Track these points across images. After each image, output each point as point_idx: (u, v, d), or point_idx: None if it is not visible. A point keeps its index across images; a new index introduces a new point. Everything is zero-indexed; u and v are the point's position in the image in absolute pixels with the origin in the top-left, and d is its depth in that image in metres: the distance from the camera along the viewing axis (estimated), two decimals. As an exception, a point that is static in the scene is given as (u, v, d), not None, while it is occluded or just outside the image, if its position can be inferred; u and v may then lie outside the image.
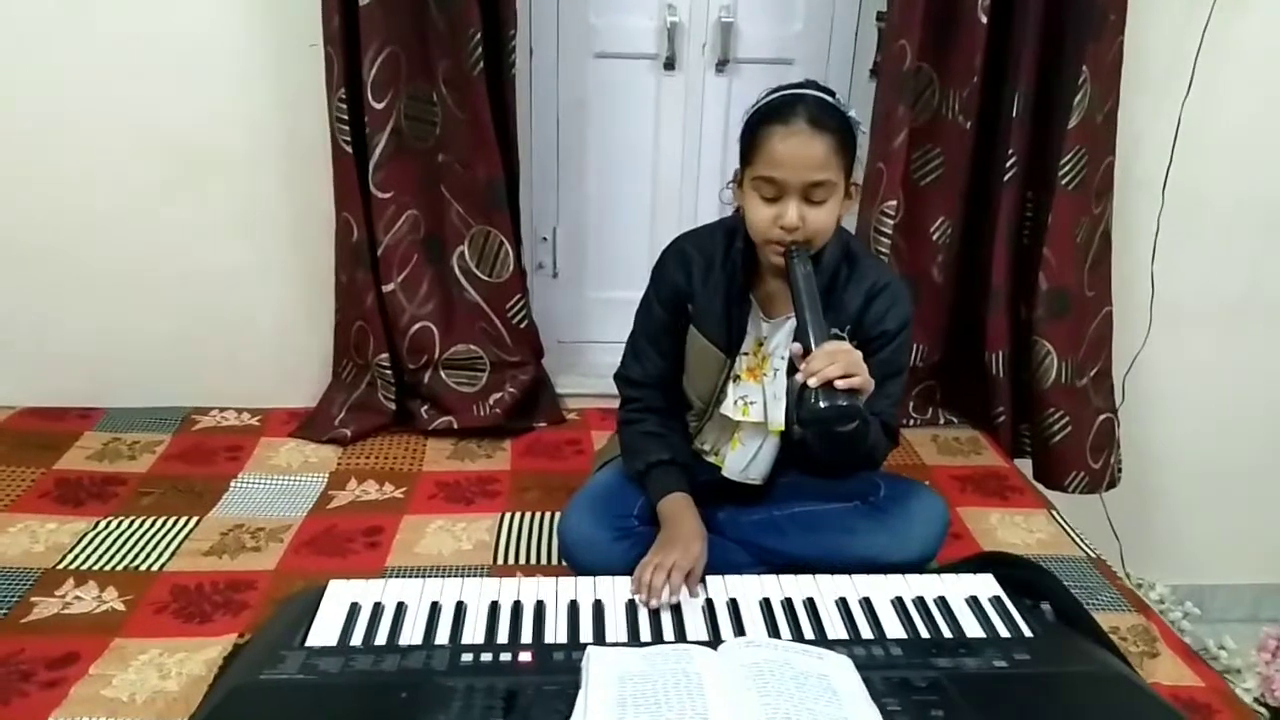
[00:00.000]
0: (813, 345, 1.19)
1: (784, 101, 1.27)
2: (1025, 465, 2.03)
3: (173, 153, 1.86)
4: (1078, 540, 1.62)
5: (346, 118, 1.72)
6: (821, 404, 1.15)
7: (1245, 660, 2.03)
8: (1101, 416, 1.98)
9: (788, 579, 1.30)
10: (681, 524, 1.33)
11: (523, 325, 1.95)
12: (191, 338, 2.00)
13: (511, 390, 1.94)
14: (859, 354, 1.20)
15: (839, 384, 1.15)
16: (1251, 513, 2.30)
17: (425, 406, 1.94)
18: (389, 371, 1.90)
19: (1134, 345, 2.05)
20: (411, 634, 1.16)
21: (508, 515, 1.63)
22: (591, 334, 2.20)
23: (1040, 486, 1.93)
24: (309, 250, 1.94)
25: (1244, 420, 2.21)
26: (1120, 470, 2.04)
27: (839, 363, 1.16)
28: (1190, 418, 2.20)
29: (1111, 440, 2.01)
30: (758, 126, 1.27)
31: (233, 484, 1.70)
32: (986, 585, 1.30)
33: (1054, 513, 1.71)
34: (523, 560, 1.50)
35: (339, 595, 1.24)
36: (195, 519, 1.58)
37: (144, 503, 1.63)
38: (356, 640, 1.14)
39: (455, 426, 1.90)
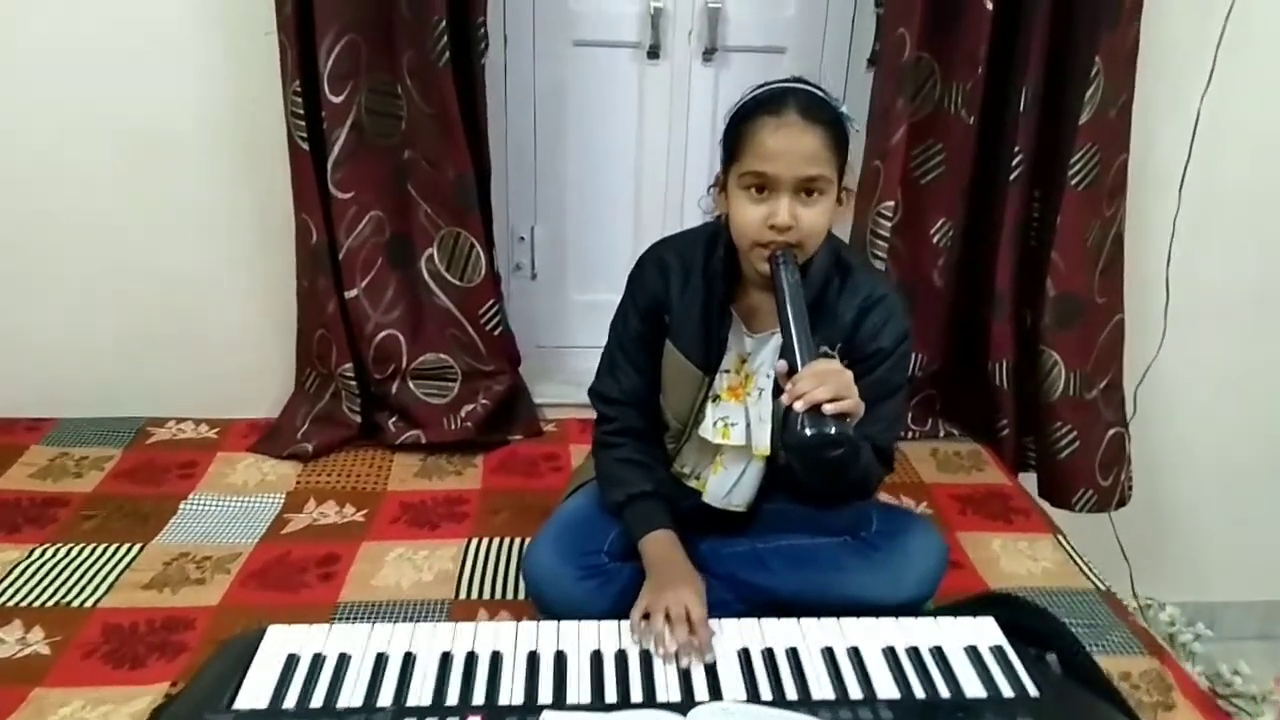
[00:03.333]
0: (799, 364, 1.09)
1: (773, 94, 1.16)
2: (1030, 480, 1.92)
3: (122, 148, 1.75)
4: (1087, 571, 1.51)
5: (302, 112, 1.60)
6: (808, 431, 1.05)
7: (1261, 688, 1.93)
8: (1112, 431, 1.87)
9: (770, 624, 1.19)
10: (673, 564, 1.22)
11: (497, 332, 1.84)
12: (148, 344, 1.90)
13: (484, 401, 1.83)
14: (849, 375, 1.10)
15: (827, 408, 1.04)
16: (1265, 527, 2.19)
17: (393, 419, 1.83)
18: (353, 382, 1.79)
19: (1147, 354, 1.93)
20: (353, 693, 1.05)
21: (474, 541, 1.52)
22: (573, 339, 2.09)
23: (1046, 505, 1.81)
24: (270, 252, 1.82)
25: (1259, 431, 2.09)
26: (1131, 488, 1.92)
27: (828, 384, 1.05)
28: (1204, 429, 2.08)
29: (1122, 456, 1.89)
30: (745, 120, 1.17)
31: (182, 506, 1.59)
32: (987, 632, 1.19)
33: (1060, 538, 1.60)
34: (487, 594, 1.39)
35: (277, 644, 1.13)
36: (138, 546, 1.47)
37: (85, 527, 1.52)
38: (291, 701, 1.03)
39: (423, 441, 1.79)
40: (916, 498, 1.71)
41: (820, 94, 1.16)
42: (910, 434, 1.93)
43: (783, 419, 1.09)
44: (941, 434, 1.95)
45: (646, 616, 1.16)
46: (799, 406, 1.04)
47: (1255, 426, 2.09)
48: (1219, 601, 2.22)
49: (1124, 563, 1.97)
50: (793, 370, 1.08)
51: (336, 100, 1.61)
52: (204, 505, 1.60)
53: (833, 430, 1.04)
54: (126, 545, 1.47)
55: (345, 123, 1.63)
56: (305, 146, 1.62)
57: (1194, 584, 2.17)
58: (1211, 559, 2.20)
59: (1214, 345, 2.00)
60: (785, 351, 1.11)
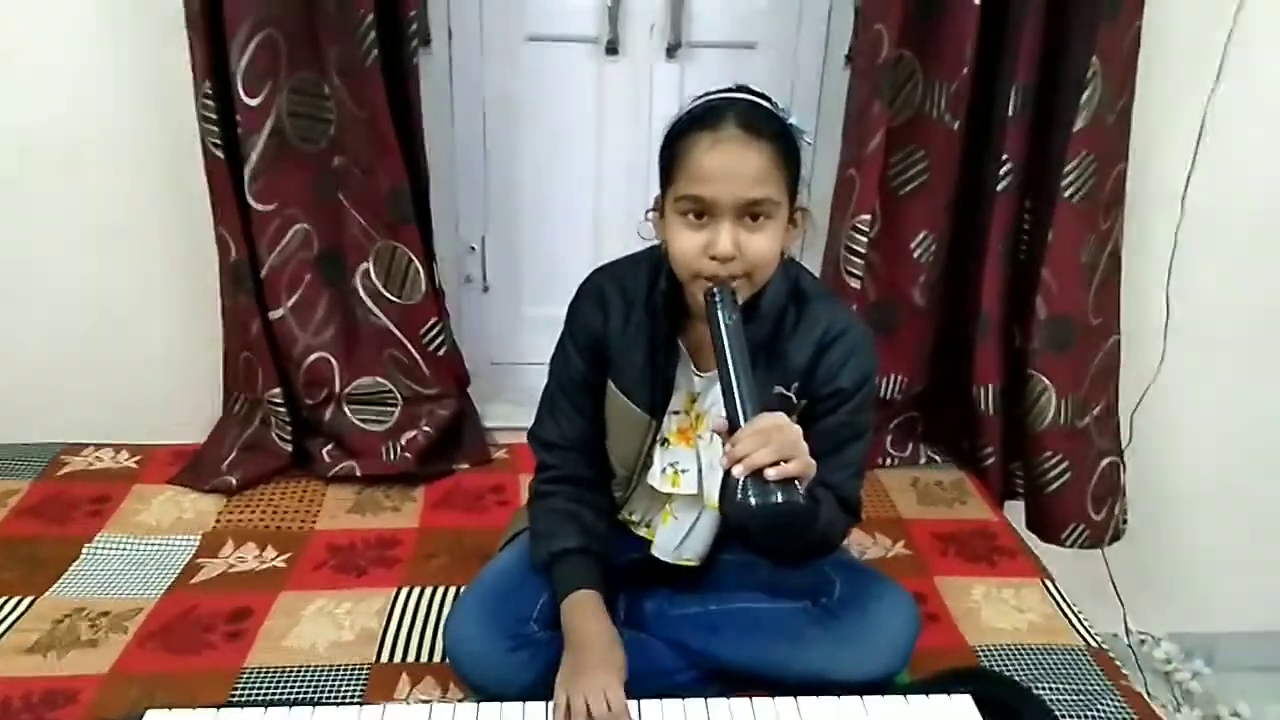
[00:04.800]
0: (740, 419, 0.95)
1: (710, 107, 1.03)
2: (1017, 507, 1.79)
3: (23, 156, 1.60)
4: (1077, 624, 1.37)
5: (214, 116, 1.45)
6: (752, 499, 0.92)
7: (1262, 731, 1.81)
8: (1105, 460, 1.73)
9: (717, 706, 1.06)
10: (591, 635, 1.09)
11: (440, 352, 1.69)
12: (67, 365, 1.75)
13: (427, 428, 1.69)
14: (797, 431, 0.96)
15: (770, 473, 0.91)
16: (1268, 556, 2.05)
17: (327, 447, 1.68)
18: (283, 409, 1.64)
19: (1144, 378, 1.79)
20: (229, 798, 0.92)
21: (404, 591, 1.38)
22: (528, 355, 1.94)
23: (1034, 540, 1.68)
24: (195, 264, 1.67)
25: (1263, 457, 1.95)
26: (1125, 521, 1.79)
27: (772, 444, 0.92)
28: (1204, 455, 1.94)
29: (1116, 487, 1.75)
30: (680, 137, 1.04)
31: (85, 550, 1.45)
32: (962, 714, 1.06)
33: (1048, 583, 1.46)
34: (411, 656, 1.25)
35: (152, 734, 1.00)
36: (29, 600, 1.33)
37: (-29, 577, 1.38)
38: (154, 810, 0.90)
39: (358, 473, 1.65)
40: (894, 536, 1.57)
41: (765, 104, 1.03)
42: (890, 460, 1.80)
43: (721, 484, 0.95)
44: (923, 460, 1.81)
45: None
46: (738, 472, 0.91)
47: (1259, 452, 1.95)
48: (1218, 632, 2.09)
49: (1116, 598, 1.83)
50: (734, 427, 0.95)
51: (252, 103, 1.45)
52: (110, 549, 1.46)
53: (778, 498, 0.91)
54: (16, 599, 1.33)
55: (264, 127, 1.47)
56: (220, 154, 1.47)
57: (1191, 615, 2.04)
58: (1210, 589, 2.06)
59: (1217, 367, 1.85)
60: (725, 404, 0.97)
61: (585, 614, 1.10)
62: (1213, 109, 1.65)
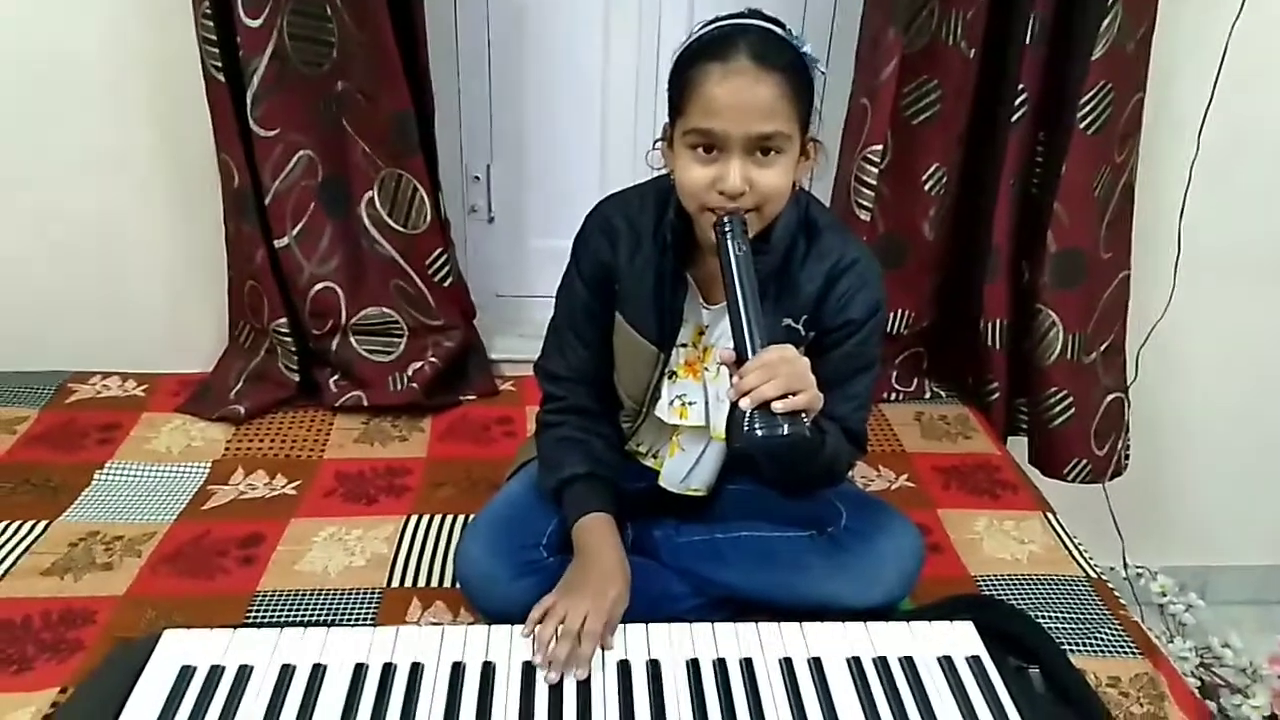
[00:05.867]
0: (748, 351, 0.95)
1: (720, 34, 1.00)
2: (1020, 443, 1.80)
3: (27, 78, 1.57)
4: (1077, 556, 1.39)
5: (214, 38, 1.41)
6: (758, 430, 0.93)
7: (1254, 660, 1.84)
8: (1110, 397, 1.73)
9: (724, 630, 1.08)
10: (597, 557, 1.10)
11: (447, 283, 1.68)
12: (72, 293, 1.75)
13: (433, 359, 1.69)
14: (805, 363, 0.96)
15: (777, 405, 0.91)
16: (1266, 492, 2.07)
17: (334, 377, 1.69)
18: (289, 338, 1.64)
19: (1152, 313, 1.77)
20: (252, 713, 0.94)
21: (414, 519, 1.40)
22: (534, 287, 1.93)
23: (1036, 476, 1.69)
24: (198, 191, 1.65)
25: (1268, 394, 1.96)
26: (1127, 457, 1.80)
27: (779, 378, 0.92)
28: (1207, 393, 1.94)
29: (1120, 423, 1.76)
30: (689, 67, 1.01)
31: (97, 476, 1.46)
32: (964, 640, 1.09)
33: (1050, 516, 1.48)
34: (422, 582, 1.27)
35: (171, 653, 1.02)
36: (44, 524, 1.35)
37: (-14, 502, 1.40)
38: (179, 723, 0.92)
39: (365, 403, 1.65)
40: (898, 469, 1.58)
41: (777, 31, 1.00)
42: (895, 395, 1.80)
43: (729, 416, 0.96)
44: (928, 395, 1.82)
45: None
46: (745, 404, 0.92)
47: (1261, 393, 1.95)
48: (1213, 565, 2.13)
49: (1115, 531, 1.85)
50: (741, 359, 0.95)
51: (253, 24, 1.42)
52: (122, 475, 1.47)
53: (784, 430, 0.92)
54: (31, 523, 1.34)
55: (265, 50, 1.44)
56: (220, 77, 1.44)
57: (1186, 549, 2.07)
58: (1207, 524, 2.09)
59: (1226, 304, 1.84)
60: (734, 336, 0.96)
61: (597, 535, 1.11)
62: (1235, 40, 1.60)
